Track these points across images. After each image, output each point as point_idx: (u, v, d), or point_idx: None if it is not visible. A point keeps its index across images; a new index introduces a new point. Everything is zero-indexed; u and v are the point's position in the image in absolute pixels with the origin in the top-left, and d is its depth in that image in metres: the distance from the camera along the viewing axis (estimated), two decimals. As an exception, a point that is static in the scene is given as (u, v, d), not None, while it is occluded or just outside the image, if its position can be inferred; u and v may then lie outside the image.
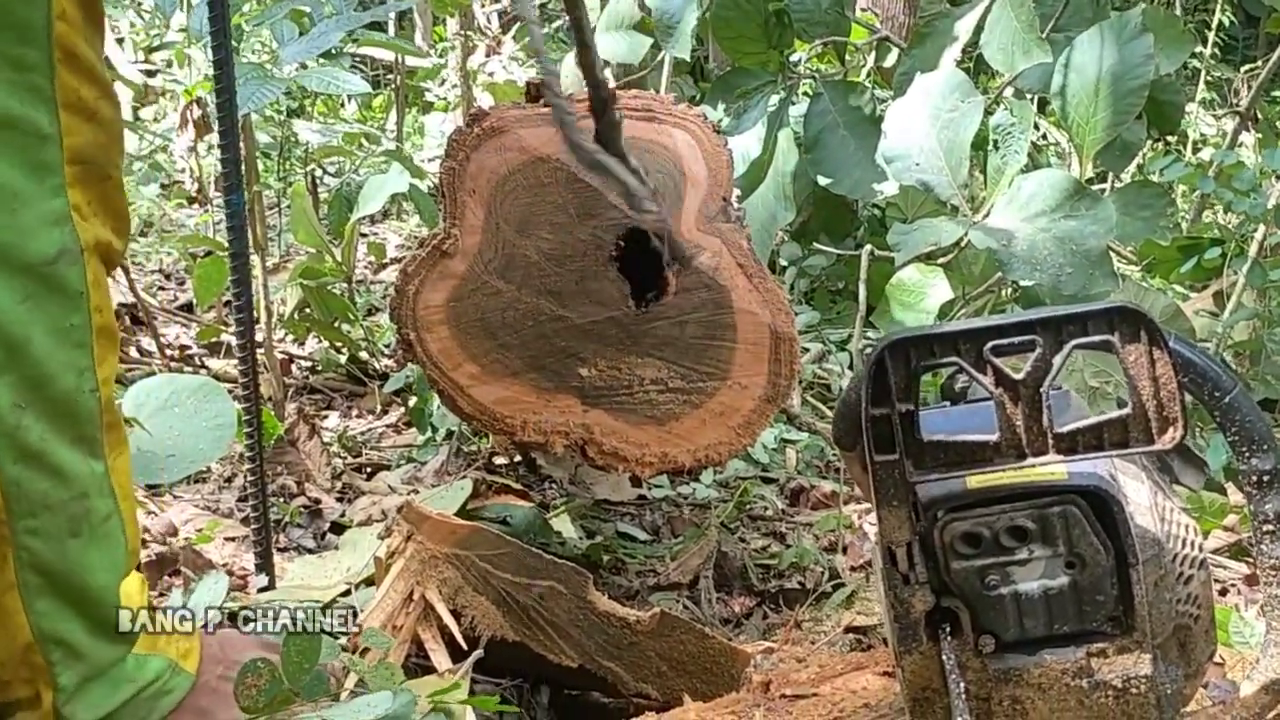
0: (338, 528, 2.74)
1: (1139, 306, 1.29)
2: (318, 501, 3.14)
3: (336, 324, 4.39)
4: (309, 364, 4.52)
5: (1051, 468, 1.33)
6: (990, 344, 1.29)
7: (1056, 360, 1.28)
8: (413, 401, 3.29)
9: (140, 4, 5.70)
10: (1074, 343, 1.28)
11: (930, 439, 1.32)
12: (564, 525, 2.60)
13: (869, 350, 1.34)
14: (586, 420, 2.15)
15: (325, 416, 4.03)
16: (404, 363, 2.25)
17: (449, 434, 3.01)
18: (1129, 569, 1.34)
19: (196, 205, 5.63)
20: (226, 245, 2.53)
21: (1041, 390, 1.28)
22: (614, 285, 2.14)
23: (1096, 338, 1.29)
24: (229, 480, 3.09)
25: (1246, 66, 6.26)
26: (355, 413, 4.14)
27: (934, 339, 1.32)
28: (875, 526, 1.41)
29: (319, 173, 5.57)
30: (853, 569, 2.67)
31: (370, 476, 3.45)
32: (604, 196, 2.12)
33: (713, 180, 2.18)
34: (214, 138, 2.30)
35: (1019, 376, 1.29)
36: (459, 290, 2.12)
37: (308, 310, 4.39)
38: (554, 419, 2.14)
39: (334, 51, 3.08)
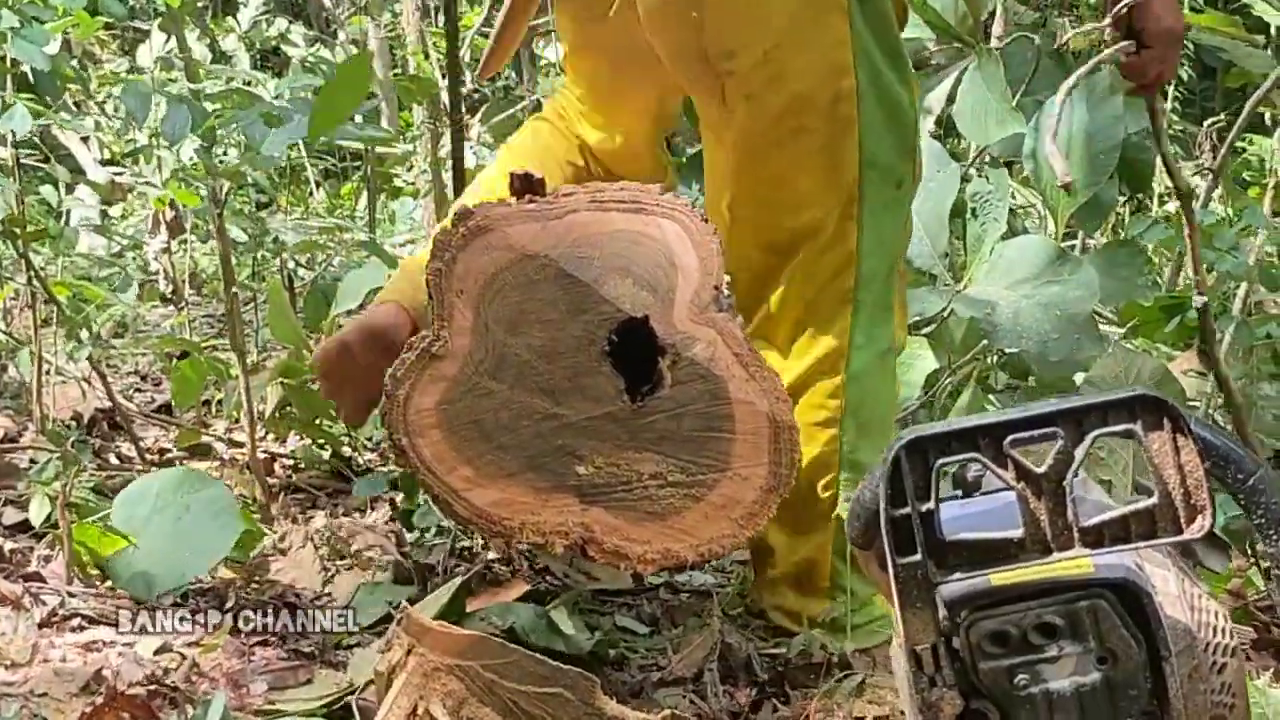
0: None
1: (1161, 394, 1.26)
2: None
3: (319, 422, 4.35)
4: (291, 462, 4.47)
5: (1077, 561, 1.30)
6: (1010, 438, 1.26)
7: (1078, 452, 1.26)
8: (401, 498, 3.23)
9: (105, 107, 5.67)
10: (1096, 433, 1.26)
11: (953, 538, 1.29)
12: (563, 620, 2.55)
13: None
14: (585, 519, 2.11)
15: (311, 516, 3.97)
16: (397, 463, 2.20)
17: (440, 530, 2.97)
18: (1162, 662, 1.31)
19: (171, 306, 5.59)
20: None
21: (1065, 483, 1.26)
22: (608, 380, 2.11)
23: (1118, 427, 1.26)
24: (201, 593, 3.01)
25: (1209, 120, 6.29)
26: (341, 510, 4.09)
27: (952, 436, 1.29)
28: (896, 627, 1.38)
29: (293, 266, 5.53)
30: (859, 652, 2.63)
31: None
32: (594, 292, 2.10)
33: (703, 269, 2.15)
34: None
35: (1041, 470, 1.26)
36: (450, 393, 2.09)
37: (289, 409, 4.34)
38: (553, 519, 2.10)
39: (309, 150, 3.05)
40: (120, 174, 5.71)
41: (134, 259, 5.73)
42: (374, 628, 2.74)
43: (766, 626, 2.85)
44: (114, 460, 4.22)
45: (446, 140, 6.67)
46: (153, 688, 2.24)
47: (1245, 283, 3.58)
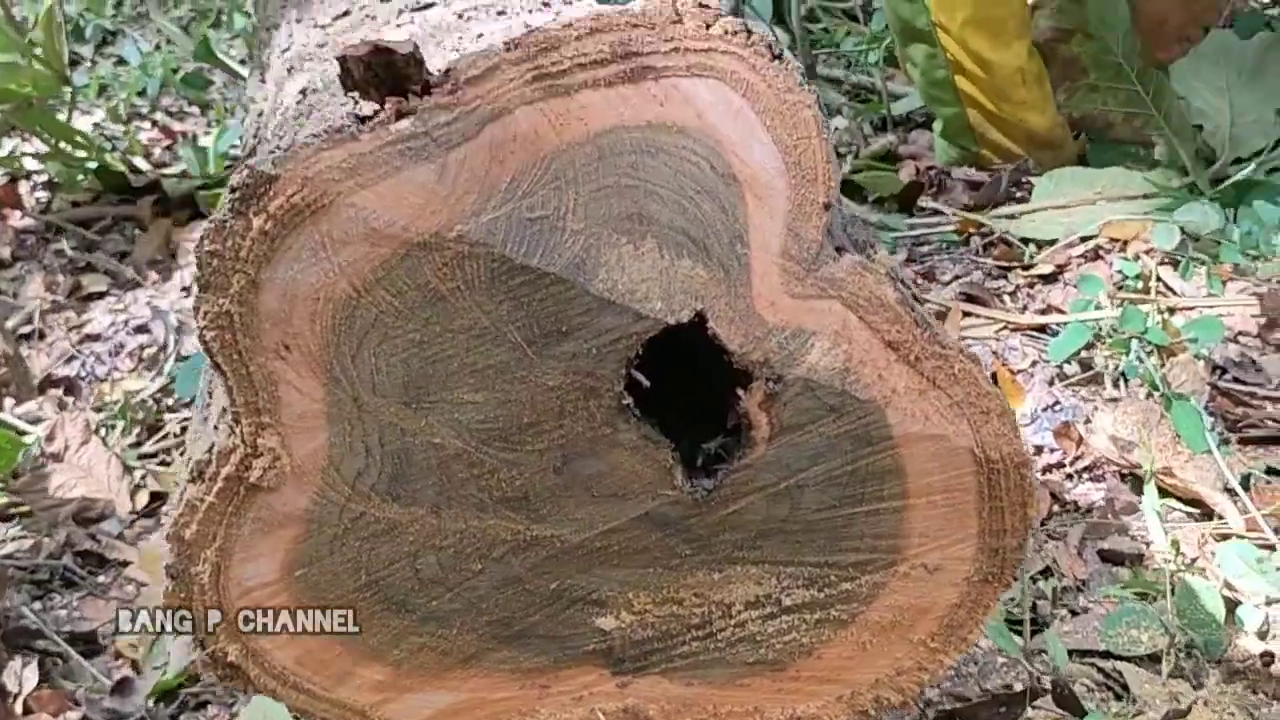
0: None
1: None
2: (129, 582, 2.02)
3: (60, 145, 3.08)
4: (45, 184, 3.23)
5: None
6: None
7: None
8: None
9: None
10: None
11: None
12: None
13: None
14: (628, 701, 1.05)
15: (81, 314, 2.79)
16: (227, 686, 1.06)
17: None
18: None
19: None
20: None
21: None
22: (640, 455, 0.99)
23: None
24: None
25: None
26: (130, 271, 2.89)
27: None
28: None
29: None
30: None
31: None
32: (578, 287, 0.93)
33: (797, 173, 0.98)
34: None
35: None
36: (307, 545, 0.98)
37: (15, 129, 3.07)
38: (566, 715, 1.03)
39: None
40: None
41: None
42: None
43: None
44: None
45: None
46: None
47: None
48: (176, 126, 3.72)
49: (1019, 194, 2.86)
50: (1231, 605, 1.64)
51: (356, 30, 1.75)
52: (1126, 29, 2.82)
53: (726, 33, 0.97)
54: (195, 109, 3.93)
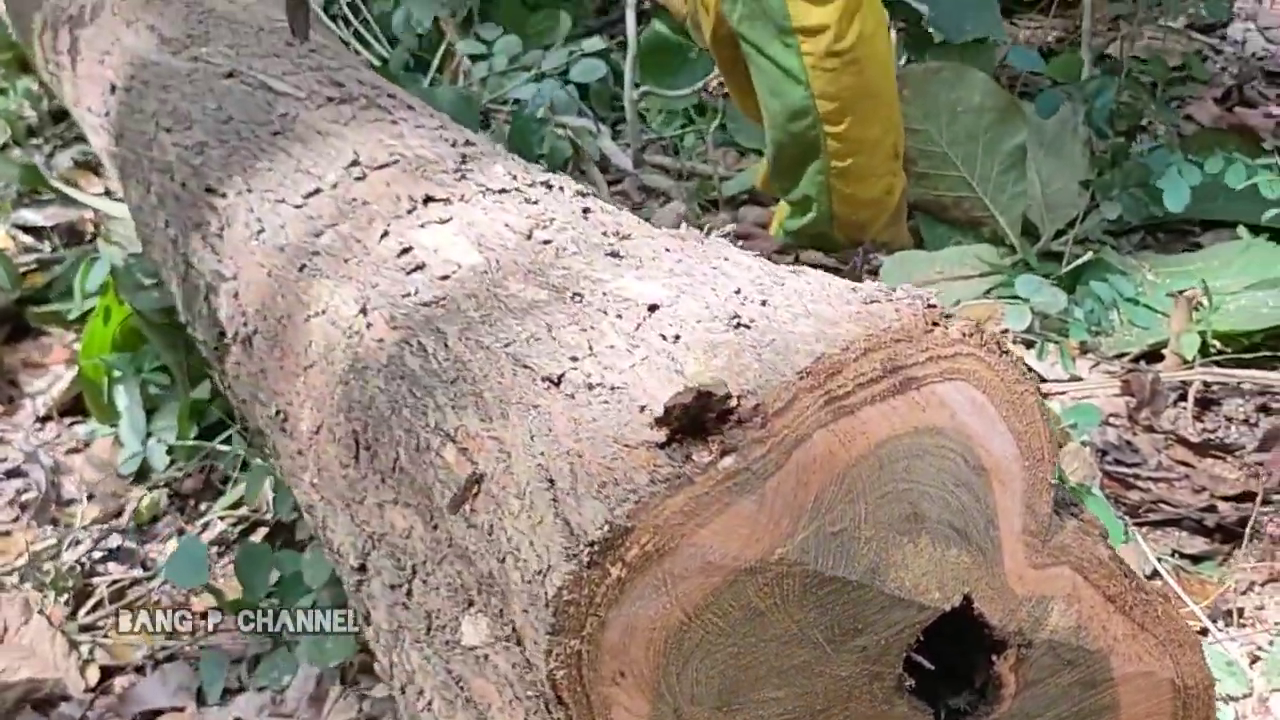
0: None
1: None
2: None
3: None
4: None
5: None
6: None
7: None
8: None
9: None
10: None
11: None
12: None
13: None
14: None
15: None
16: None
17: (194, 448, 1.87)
18: None
19: None
20: None
21: None
22: (907, 723, 1.07)
23: None
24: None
25: None
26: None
27: None
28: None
29: None
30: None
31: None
32: (873, 590, 1.02)
33: (1029, 455, 1.09)
34: None
35: None
36: (621, 846, 1.02)
37: None
38: None
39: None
40: None
41: None
42: None
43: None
44: None
45: None
46: None
47: None
48: (-51, 226, 3.56)
49: (867, 279, 3.01)
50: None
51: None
52: (949, 119, 3.02)
53: (964, 335, 1.06)
54: (-36, 204, 3.76)
